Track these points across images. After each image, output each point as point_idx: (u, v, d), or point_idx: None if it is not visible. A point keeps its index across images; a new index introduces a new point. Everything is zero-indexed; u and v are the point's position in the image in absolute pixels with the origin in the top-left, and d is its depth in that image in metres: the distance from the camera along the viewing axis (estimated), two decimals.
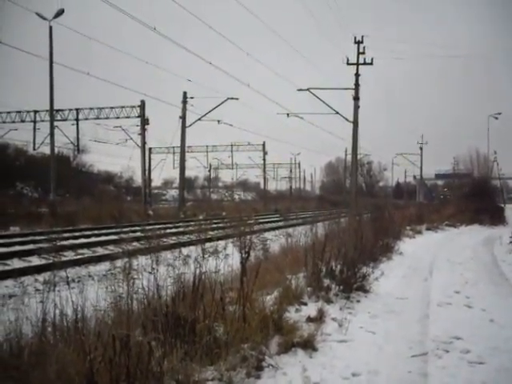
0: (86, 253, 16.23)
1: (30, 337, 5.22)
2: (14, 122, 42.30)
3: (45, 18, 31.23)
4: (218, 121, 43.75)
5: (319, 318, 7.54)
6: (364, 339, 7.10)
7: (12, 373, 4.42)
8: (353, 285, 9.78)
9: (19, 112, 41.96)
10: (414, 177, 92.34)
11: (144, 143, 41.13)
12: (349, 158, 53.17)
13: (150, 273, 5.82)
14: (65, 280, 5.93)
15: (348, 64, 33.72)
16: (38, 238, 19.00)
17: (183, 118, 41.23)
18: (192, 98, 40.99)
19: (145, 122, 40.56)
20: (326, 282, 9.50)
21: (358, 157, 39.44)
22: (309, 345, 6.39)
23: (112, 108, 40.50)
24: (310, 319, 7.44)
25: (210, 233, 9.52)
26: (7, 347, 4.96)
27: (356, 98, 33.72)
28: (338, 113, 34.78)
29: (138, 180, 55.51)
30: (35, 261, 13.80)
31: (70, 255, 15.17)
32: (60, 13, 31.20)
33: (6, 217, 26.40)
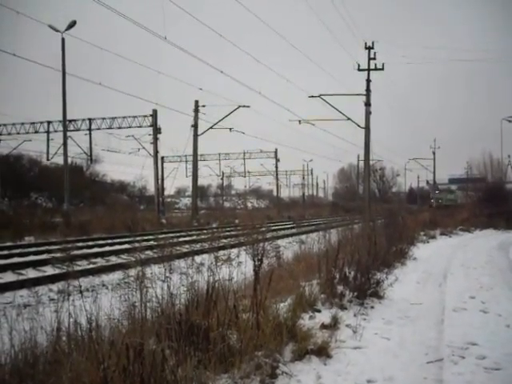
0: (100, 262, 16.29)
1: (44, 346, 5.25)
2: (27, 132, 42.64)
3: (57, 30, 31.54)
4: (230, 129, 43.89)
5: (333, 325, 7.52)
6: (379, 345, 7.06)
7: (27, 382, 4.44)
8: (367, 291, 9.74)
9: (33, 123, 42.33)
10: (427, 182, 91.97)
11: (156, 152, 41.27)
12: (361, 164, 53.28)
13: (164, 281, 5.82)
14: (79, 289, 5.96)
15: (359, 70, 33.75)
16: (52, 247, 19.11)
17: (195, 126, 41.37)
18: (204, 106, 41.17)
19: (157, 131, 40.72)
20: (340, 288, 9.47)
21: (371, 163, 39.46)
22: (323, 352, 6.36)
23: (124, 117, 40.73)
24: (324, 326, 7.42)
25: (223, 241, 9.52)
26: (22, 356, 4.99)
27: (367, 104, 33.69)
28: (349, 119, 34.80)
29: (151, 189, 55.78)
30: (49, 270, 13.88)
31: (83, 264, 15.22)
32: (72, 25, 31.49)
33: (20, 227, 26.56)
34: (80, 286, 5.69)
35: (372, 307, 9.35)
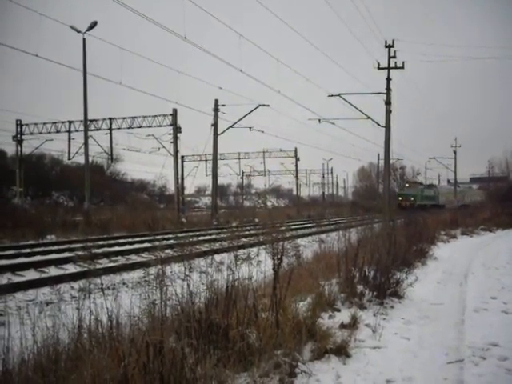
0: (120, 260, 16.41)
1: (66, 343, 5.32)
2: (49, 132, 42.99)
3: (79, 31, 31.83)
4: (250, 128, 43.90)
5: (353, 324, 7.50)
6: (398, 345, 7.04)
7: (50, 377, 4.50)
8: (386, 290, 9.70)
9: (55, 123, 42.65)
10: (448, 181, 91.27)
11: (176, 151, 41.41)
12: (381, 162, 53.08)
13: (184, 280, 5.86)
14: (99, 287, 6.03)
15: (379, 68, 33.56)
16: (73, 246, 19.31)
17: (215, 125, 41.45)
18: (223, 105, 41.22)
19: (177, 130, 40.85)
20: (360, 287, 9.45)
21: (391, 161, 39.21)
22: (342, 351, 6.36)
23: (144, 117, 40.91)
24: (343, 325, 7.41)
25: (243, 239, 9.54)
26: (45, 352, 5.06)
27: (388, 103, 33.50)
28: (369, 118, 34.63)
29: (171, 188, 56.07)
30: (71, 268, 14.00)
31: (104, 263, 15.35)
32: (93, 25, 31.76)
33: (42, 225, 26.83)
34: (102, 284, 5.76)
35: (392, 307, 9.32)
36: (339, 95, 34.20)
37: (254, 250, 7.29)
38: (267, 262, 7.02)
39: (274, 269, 6.59)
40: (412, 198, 66.63)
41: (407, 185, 73.97)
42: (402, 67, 33.76)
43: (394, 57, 33.50)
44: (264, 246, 6.96)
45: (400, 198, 67.01)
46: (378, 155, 64.16)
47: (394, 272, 10.27)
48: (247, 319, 5.87)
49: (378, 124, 34.10)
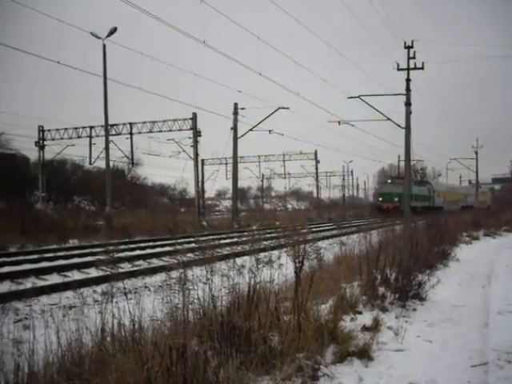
0: (142, 264, 16.49)
1: (90, 346, 5.37)
2: (71, 138, 43.36)
3: (99, 37, 32.11)
4: (270, 130, 43.99)
5: (375, 327, 7.47)
6: (421, 348, 6.99)
7: (74, 380, 4.55)
8: (408, 293, 9.64)
9: (76, 128, 43.01)
10: (470, 182, 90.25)
11: (196, 155, 41.56)
12: (402, 164, 53.06)
13: (205, 283, 5.89)
14: (122, 291, 6.08)
15: (398, 69, 33.42)
16: (95, 250, 19.45)
17: (235, 128, 41.56)
18: (243, 108, 41.31)
19: (197, 134, 40.98)
20: (381, 290, 9.41)
21: (411, 163, 39.03)
22: (364, 354, 6.34)
23: (164, 121, 41.08)
24: (365, 328, 7.38)
25: (264, 243, 9.57)
26: (69, 356, 5.12)
27: (408, 104, 33.35)
28: (389, 119, 34.49)
29: (192, 191, 56.25)
30: (93, 272, 14.11)
31: (126, 267, 15.45)
32: (113, 31, 32.02)
33: (65, 230, 27.08)
34: (125, 289, 5.81)
35: (414, 309, 9.26)
36: (359, 97, 34.16)
37: (276, 252, 7.32)
38: (288, 265, 7.03)
39: (295, 272, 6.60)
40: (396, 199, 53.10)
41: (389, 181, 59.97)
42: (422, 68, 33.61)
43: (414, 58, 33.36)
44: (285, 249, 6.97)
45: (380, 199, 56.92)
46: (399, 156, 63.94)
47: (415, 274, 10.20)
48: (269, 322, 5.88)
49: (398, 125, 33.98)
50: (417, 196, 57.80)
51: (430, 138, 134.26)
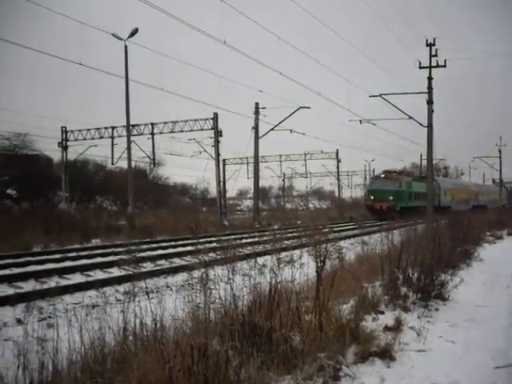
0: (164, 264, 16.58)
1: (112, 345, 5.42)
2: (93, 138, 43.71)
3: (120, 38, 32.34)
4: (291, 130, 43.94)
5: (397, 327, 7.43)
6: (444, 349, 6.93)
7: (97, 379, 4.59)
8: (431, 293, 9.57)
9: (98, 129, 43.32)
10: (493, 180, 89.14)
11: (218, 155, 41.66)
12: (424, 163, 52.50)
13: (227, 283, 5.90)
14: (144, 290, 6.12)
15: (420, 68, 33.11)
16: (117, 249, 19.62)
17: (256, 128, 41.58)
18: (264, 108, 41.33)
19: (218, 133, 41.07)
20: (403, 290, 9.35)
21: (434, 162, 38.70)
22: (386, 354, 6.30)
23: (186, 121, 41.22)
24: (387, 328, 7.34)
25: (286, 242, 9.55)
26: (92, 354, 5.17)
27: (430, 102, 33.04)
28: (411, 118, 34.24)
29: (213, 191, 56.27)
30: (115, 272, 14.22)
31: (148, 266, 15.54)
32: (134, 32, 32.23)
33: (87, 229, 27.33)
34: (147, 288, 5.85)
35: (436, 309, 9.20)
36: (380, 95, 33.92)
37: (297, 252, 7.31)
38: (310, 265, 7.02)
39: (317, 271, 6.58)
40: (391, 197, 46.15)
41: (383, 175, 50.37)
42: (444, 66, 33.24)
43: (436, 55, 33.01)
44: (307, 249, 6.96)
45: (372, 198, 47.78)
46: (421, 155, 63.45)
47: (438, 274, 10.12)
48: (290, 322, 5.88)
49: (420, 124, 33.69)
50: (417, 194, 51.18)
51: (453, 137, 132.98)
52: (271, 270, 6.24)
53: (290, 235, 17.63)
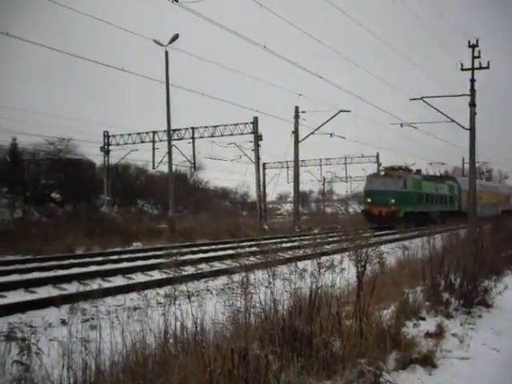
0: (204, 267, 16.67)
1: (153, 347, 5.49)
2: (134, 143, 44.20)
3: (161, 44, 32.75)
4: (331, 134, 43.77)
5: (438, 334, 7.32)
6: (487, 357, 6.79)
7: (139, 380, 4.66)
8: (474, 299, 9.41)
9: (139, 133, 43.82)
10: None
11: (258, 159, 41.71)
12: (466, 166, 51.36)
13: (267, 287, 5.91)
14: (184, 294, 6.18)
15: (462, 69, 32.67)
16: (158, 253, 19.83)
17: (296, 132, 41.58)
18: (304, 112, 41.33)
19: (258, 137, 41.13)
20: (445, 295, 9.22)
21: (476, 165, 38.06)
22: (428, 361, 6.22)
23: (226, 125, 41.38)
24: (428, 334, 7.24)
25: (326, 247, 9.51)
26: (133, 356, 5.24)
27: (472, 105, 32.57)
28: (453, 121, 33.78)
29: (253, 195, 56.37)
30: (156, 275, 14.37)
31: (189, 270, 15.65)
32: (175, 38, 32.61)
33: (129, 233, 27.70)
34: (188, 292, 5.90)
35: (480, 316, 9.03)
36: (421, 98, 33.57)
37: (337, 257, 7.28)
38: (350, 270, 6.98)
39: (357, 276, 6.55)
40: (393, 201, 37.69)
41: (382, 173, 43.10)
42: (487, 67, 32.73)
43: (479, 57, 32.53)
44: (347, 253, 6.93)
45: (369, 201, 39.46)
46: (463, 159, 62.34)
47: (481, 280, 9.95)
48: (331, 327, 5.85)
49: (463, 127, 33.21)
50: (431, 196, 43.56)
51: (498, 140, 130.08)
52: (312, 274, 6.23)
53: (330, 240, 17.54)
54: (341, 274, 7.10)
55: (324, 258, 6.91)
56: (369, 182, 41.56)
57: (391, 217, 36.51)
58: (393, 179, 39.36)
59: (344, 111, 40.94)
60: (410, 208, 38.74)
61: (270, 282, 5.92)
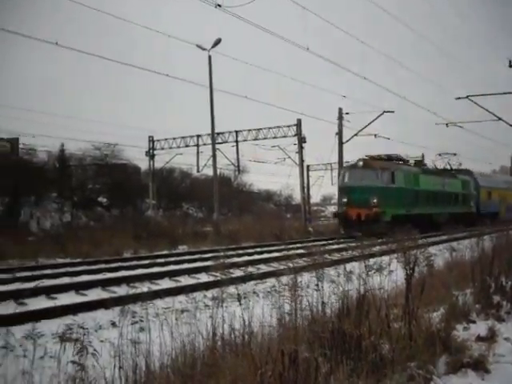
0: (250, 270, 16.68)
1: (201, 349, 5.54)
2: (179, 147, 44.61)
3: (204, 49, 33.05)
4: (375, 135, 43.34)
5: (490, 337, 7.17)
6: None
7: (188, 382, 4.70)
8: None
9: (183, 137, 44.24)
10: None
11: (302, 161, 41.59)
12: None
13: (316, 289, 5.91)
14: (231, 296, 6.23)
15: (510, 66, 31.96)
16: (204, 256, 19.97)
17: (339, 134, 41.32)
18: (347, 113, 41.04)
19: (302, 140, 41.04)
20: (496, 298, 9.03)
21: None
22: (480, 365, 6.08)
23: (269, 128, 41.39)
24: (479, 338, 7.10)
25: (373, 248, 9.43)
26: (182, 358, 5.30)
27: None
28: (500, 119, 33.08)
29: (297, 197, 56.25)
30: (203, 278, 14.47)
31: (234, 272, 15.71)
32: (217, 42, 32.86)
33: (174, 236, 27.97)
34: (238, 295, 5.94)
35: None
36: (467, 97, 32.99)
37: (385, 258, 7.22)
38: (398, 272, 6.91)
39: (406, 278, 6.47)
40: (375, 200, 29.33)
41: (360, 163, 31.63)
42: None
43: None
44: (396, 255, 6.86)
45: (344, 200, 30.48)
46: (511, 157, 60.86)
47: None
48: (380, 330, 5.80)
49: (511, 125, 32.51)
50: (435, 195, 35.30)
51: None
52: (359, 276, 6.20)
53: (377, 241, 17.36)
54: (389, 276, 7.03)
55: (372, 260, 6.86)
56: (344, 175, 32.11)
57: (373, 221, 28.14)
58: (375, 172, 30.58)
59: (388, 112, 40.55)
60: (400, 209, 30.61)
61: (317, 285, 5.91)
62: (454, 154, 44.39)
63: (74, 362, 4.50)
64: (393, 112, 40.66)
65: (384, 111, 40.47)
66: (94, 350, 4.54)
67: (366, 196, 29.45)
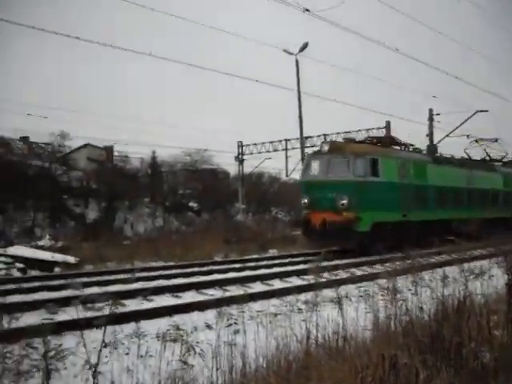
0: (341, 274, 16.53)
1: (296, 352, 5.56)
2: (267, 151, 44.95)
3: (291, 53, 33.18)
4: (467, 135, 41.99)
5: None
6: None
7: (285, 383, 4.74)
8: None
9: (272, 142, 44.52)
10: None
11: None
12: None
13: (416, 294, 5.80)
14: (324, 300, 6.22)
15: None
16: (294, 260, 19.99)
17: (430, 135, 40.31)
18: (438, 114, 40.00)
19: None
20: None
21: None
22: None
23: (358, 131, 40.99)
24: None
25: (474, 252, 9.15)
26: (277, 360, 5.34)
27: None
28: None
29: None
30: (295, 281, 14.49)
31: (326, 276, 15.61)
32: (304, 46, 32.91)
33: (264, 240, 28.15)
34: (339, 298, 5.93)
35: None
36: None
37: (485, 263, 7.00)
38: (498, 277, 6.68)
39: (507, 284, 6.24)
40: (344, 202, 19.63)
41: (326, 147, 21.07)
42: None
43: None
44: (496, 260, 6.64)
45: (305, 201, 21.18)
46: None
47: None
48: (480, 336, 5.61)
49: None
50: (454, 193, 25.88)
51: None
52: (458, 280, 6.04)
53: (469, 246, 16.77)
54: (489, 280, 6.81)
55: (471, 264, 6.67)
56: (306, 166, 22.32)
57: (343, 232, 19.48)
58: (346, 159, 20.51)
59: (481, 111, 39.18)
60: (389, 214, 21.14)
61: (415, 289, 5.80)
62: (496, 140, 36.51)
63: (181, 361, 4.64)
64: (486, 111, 39.24)
65: (477, 111, 39.15)
66: (201, 350, 4.66)
67: (330, 195, 20.31)
